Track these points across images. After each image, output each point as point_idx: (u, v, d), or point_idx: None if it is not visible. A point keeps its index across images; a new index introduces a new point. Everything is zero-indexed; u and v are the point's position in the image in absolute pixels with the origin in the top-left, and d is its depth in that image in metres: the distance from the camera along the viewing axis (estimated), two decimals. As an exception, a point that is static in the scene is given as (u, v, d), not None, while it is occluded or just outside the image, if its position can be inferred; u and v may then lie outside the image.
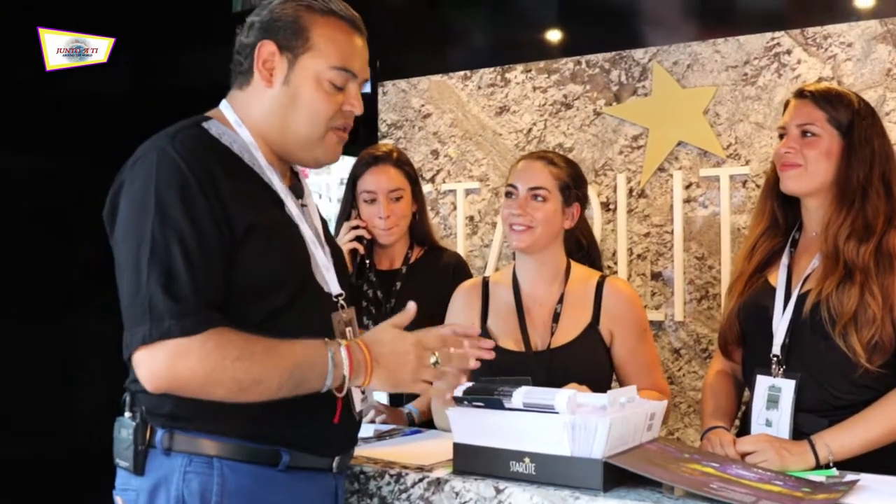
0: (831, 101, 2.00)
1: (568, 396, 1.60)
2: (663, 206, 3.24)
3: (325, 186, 4.62)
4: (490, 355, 1.62)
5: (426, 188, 3.58)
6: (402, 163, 2.64)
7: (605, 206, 3.35)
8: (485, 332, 2.19)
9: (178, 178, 1.45)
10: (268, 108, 1.59)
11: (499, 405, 1.66)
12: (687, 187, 3.20)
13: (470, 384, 1.75)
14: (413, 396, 2.47)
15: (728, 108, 3.14)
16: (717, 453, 1.84)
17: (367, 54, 1.65)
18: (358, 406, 1.62)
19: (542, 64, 3.52)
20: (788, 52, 3.05)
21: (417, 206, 2.67)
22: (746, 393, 2.12)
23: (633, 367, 2.20)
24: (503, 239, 3.45)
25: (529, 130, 3.53)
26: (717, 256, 3.13)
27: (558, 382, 1.91)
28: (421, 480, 1.72)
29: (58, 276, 3.39)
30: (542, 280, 2.25)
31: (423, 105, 3.78)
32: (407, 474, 1.74)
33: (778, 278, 2.04)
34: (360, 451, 1.82)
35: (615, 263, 3.30)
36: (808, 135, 2.00)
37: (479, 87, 3.65)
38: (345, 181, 2.73)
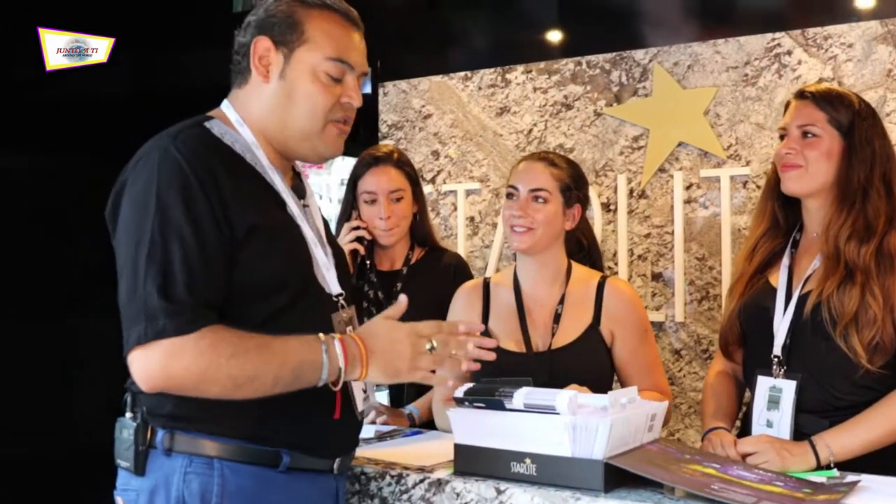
0: (832, 101, 2.00)
1: (569, 397, 1.60)
2: (664, 206, 3.24)
3: (326, 187, 4.61)
4: (491, 356, 1.62)
5: (427, 189, 3.58)
6: (402, 163, 2.64)
7: (606, 207, 3.35)
8: (485, 334, 2.19)
9: (180, 178, 1.45)
10: (266, 104, 1.59)
11: (500, 406, 1.66)
12: (687, 188, 3.20)
13: (471, 385, 1.75)
14: (414, 397, 2.47)
15: (728, 108, 3.14)
16: (717, 454, 1.84)
17: (364, 47, 1.65)
18: (360, 406, 1.62)
19: (542, 65, 3.52)
20: (789, 53, 3.05)
21: (418, 207, 2.67)
22: (747, 394, 2.12)
23: (634, 368, 2.20)
24: (504, 240, 3.45)
25: (530, 131, 3.53)
26: (717, 257, 3.13)
27: (559, 383, 1.91)
28: (422, 481, 1.71)
29: (58, 276, 3.38)
30: (542, 281, 2.25)
31: (423, 106, 3.78)
32: (408, 475, 1.74)
33: (779, 279, 2.04)
34: (361, 451, 1.82)
35: (615, 264, 3.30)
36: (809, 136, 2.00)
37: (480, 88, 3.65)
38: (345, 182, 2.73)
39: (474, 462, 1.69)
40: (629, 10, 3.45)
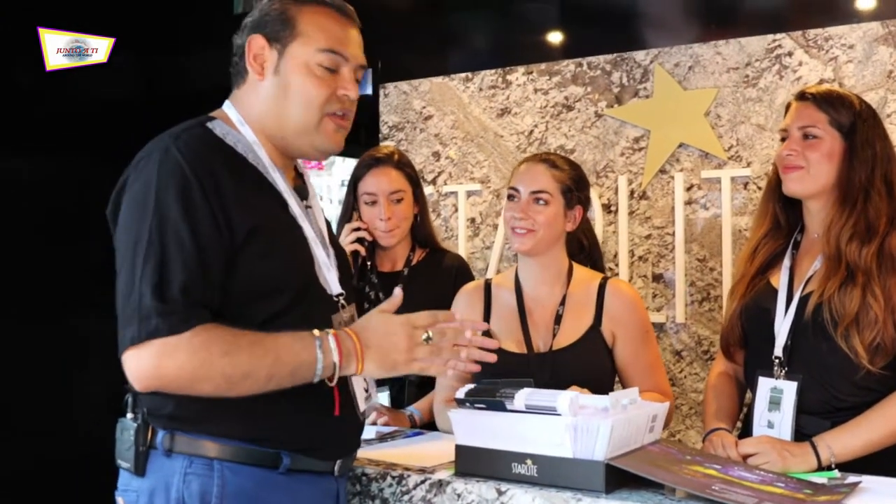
0: (833, 103, 2.00)
1: (570, 398, 1.60)
2: (664, 207, 3.24)
3: (326, 188, 4.62)
4: (492, 358, 1.61)
5: (427, 190, 3.58)
6: (403, 164, 2.63)
7: (607, 208, 3.35)
8: (487, 334, 2.19)
9: (180, 179, 1.45)
10: (263, 101, 1.60)
11: (501, 407, 1.66)
12: (688, 189, 3.20)
13: (472, 386, 1.75)
14: (415, 398, 2.47)
15: (729, 109, 3.13)
16: (719, 455, 1.84)
17: (360, 40, 1.65)
18: (362, 406, 1.62)
19: (543, 66, 3.52)
20: (790, 54, 3.05)
21: (419, 208, 2.66)
22: (748, 395, 2.12)
23: (635, 369, 2.20)
24: (504, 241, 3.45)
25: (531, 132, 3.53)
26: (718, 258, 3.13)
27: (560, 384, 1.90)
28: (423, 482, 1.71)
29: (58, 276, 3.39)
30: (544, 282, 2.24)
31: (424, 107, 3.78)
32: (409, 476, 1.73)
33: (780, 280, 2.04)
34: (362, 452, 1.82)
35: (616, 265, 3.30)
36: (810, 137, 1.99)
37: (481, 89, 3.65)
38: (346, 183, 2.73)
39: (475, 463, 1.69)
40: (630, 11, 3.46)
